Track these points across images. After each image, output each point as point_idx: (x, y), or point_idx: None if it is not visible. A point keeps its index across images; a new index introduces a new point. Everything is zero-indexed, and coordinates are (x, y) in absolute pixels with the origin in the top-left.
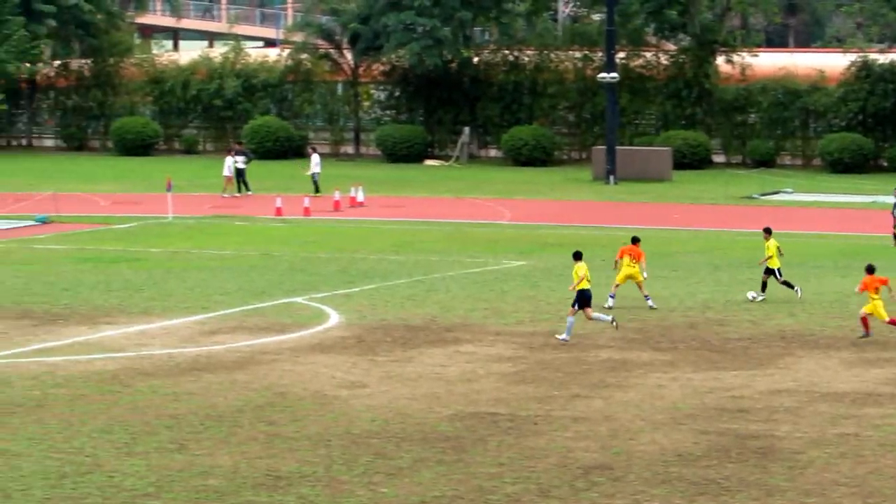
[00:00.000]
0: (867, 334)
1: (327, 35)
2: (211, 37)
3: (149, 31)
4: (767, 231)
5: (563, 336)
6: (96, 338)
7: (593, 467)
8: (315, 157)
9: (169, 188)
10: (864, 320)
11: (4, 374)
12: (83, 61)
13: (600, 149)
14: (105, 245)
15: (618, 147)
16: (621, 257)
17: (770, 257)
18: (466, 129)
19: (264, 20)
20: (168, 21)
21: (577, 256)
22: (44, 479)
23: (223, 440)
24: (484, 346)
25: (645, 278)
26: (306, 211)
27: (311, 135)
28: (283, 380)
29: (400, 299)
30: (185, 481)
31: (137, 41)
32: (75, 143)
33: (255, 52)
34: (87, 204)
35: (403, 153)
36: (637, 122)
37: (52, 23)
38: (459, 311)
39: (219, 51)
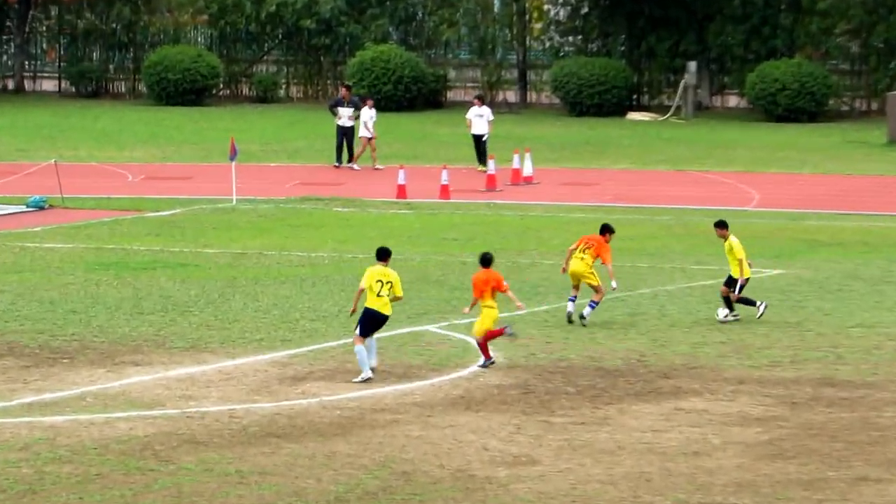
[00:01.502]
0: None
1: None
2: None
3: None
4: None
5: None
6: (118, 386)
7: None
8: (481, 110)
9: (233, 155)
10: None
11: None
12: None
13: None
14: (134, 243)
15: None
16: (576, 248)
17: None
18: (692, 66)
19: None
20: None
21: None
22: None
23: None
24: (719, 400)
25: (614, 288)
26: (444, 191)
27: (452, 73)
28: (407, 452)
29: (588, 328)
30: None
31: None
32: (89, 86)
33: None
34: (106, 179)
35: (594, 102)
36: None
37: None
38: (681, 347)
39: None
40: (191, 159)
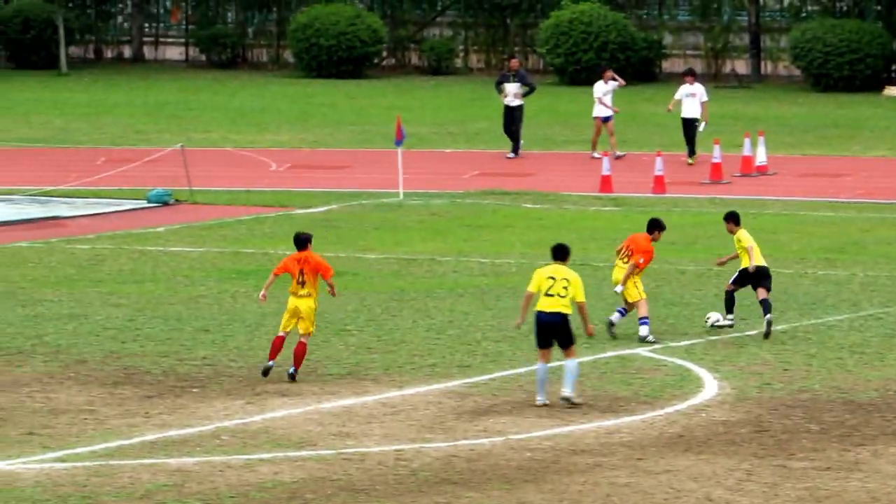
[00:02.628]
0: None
1: None
2: None
3: None
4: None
5: None
6: (260, 421)
7: None
8: (693, 88)
9: (399, 139)
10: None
11: (86, 483)
12: None
13: None
14: (278, 247)
15: None
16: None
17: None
18: None
19: None
20: None
21: None
22: None
23: None
24: None
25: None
26: (658, 183)
27: (668, 39)
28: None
29: (833, 350)
30: None
31: None
32: (223, 53)
33: None
34: (244, 168)
35: (843, 74)
36: None
37: None
38: None
39: None
40: (348, 144)
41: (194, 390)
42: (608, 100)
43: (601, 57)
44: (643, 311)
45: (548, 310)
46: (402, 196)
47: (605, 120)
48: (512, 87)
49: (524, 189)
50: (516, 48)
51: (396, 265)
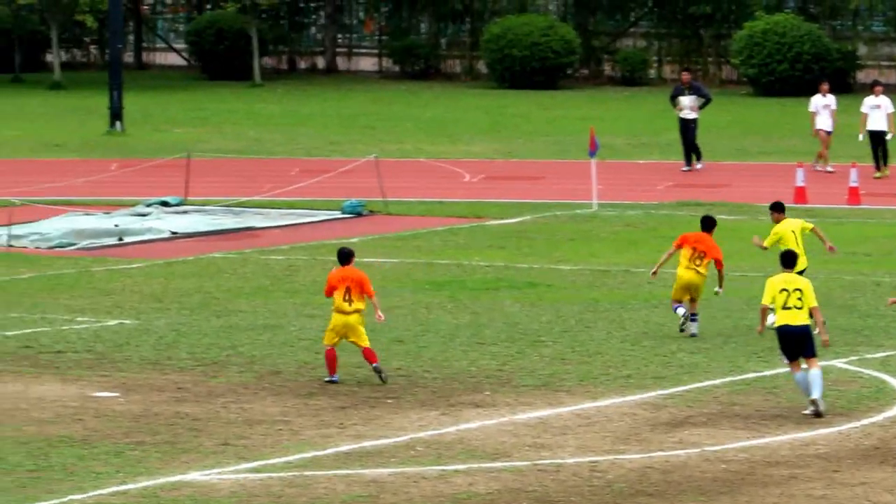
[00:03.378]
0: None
1: None
2: None
3: None
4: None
5: None
6: (455, 433)
7: None
8: (878, 100)
9: (593, 150)
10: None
11: (281, 494)
12: None
13: None
14: (472, 257)
15: None
16: (678, 248)
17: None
18: None
19: None
20: None
21: None
22: None
23: None
24: None
25: (717, 292)
26: (853, 194)
27: (863, 49)
28: None
29: None
30: None
31: None
32: (416, 64)
33: None
34: (437, 179)
35: None
36: None
37: None
38: None
39: None
40: (542, 155)
41: (389, 401)
42: (828, 113)
43: (795, 68)
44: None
45: (790, 323)
46: (595, 207)
47: (827, 134)
48: (687, 100)
49: (718, 200)
50: (710, 59)
51: (590, 276)
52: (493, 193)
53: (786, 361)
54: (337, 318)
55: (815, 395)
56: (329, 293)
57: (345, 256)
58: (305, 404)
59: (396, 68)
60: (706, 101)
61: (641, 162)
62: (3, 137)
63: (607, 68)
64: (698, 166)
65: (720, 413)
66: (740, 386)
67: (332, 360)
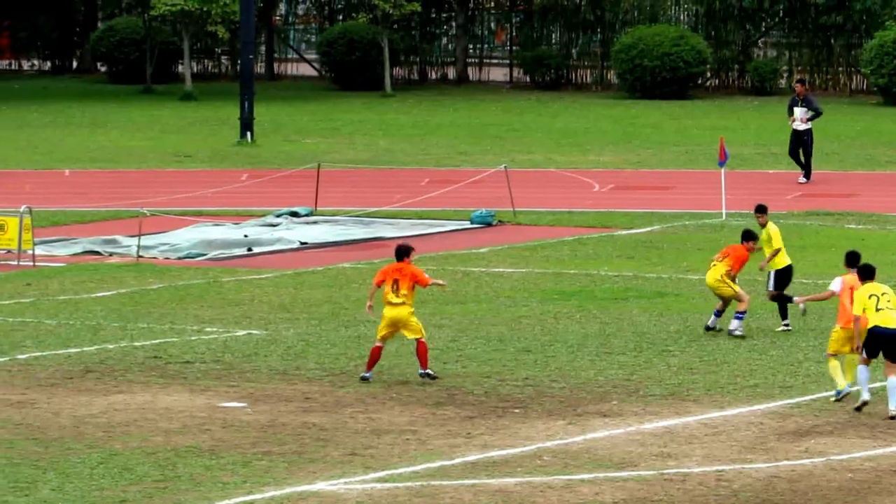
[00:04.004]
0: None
1: None
2: None
3: None
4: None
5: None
6: (581, 442)
7: None
8: None
9: (723, 160)
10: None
11: None
12: None
13: None
14: (601, 267)
15: None
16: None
17: (778, 251)
18: None
19: None
20: None
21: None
22: None
23: None
24: None
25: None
26: None
27: None
28: None
29: None
30: None
31: None
32: (547, 74)
33: None
34: (567, 188)
35: None
36: None
37: None
38: None
39: None
40: (671, 165)
41: (516, 411)
42: None
43: None
44: (743, 306)
45: (884, 325)
46: (724, 217)
47: None
48: (799, 112)
49: (847, 210)
50: (840, 68)
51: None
52: (622, 203)
53: (864, 356)
54: (387, 311)
55: (892, 407)
56: (378, 283)
57: (400, 253)
58: (433, 414)
59: (527, 78)
60: (815, 114)
61: (771, 171)
62: (135, 148)
63: (738, 78)
64: (801, 180)
65: (846, 422)
66: (874, 396)
67: (374, 358)
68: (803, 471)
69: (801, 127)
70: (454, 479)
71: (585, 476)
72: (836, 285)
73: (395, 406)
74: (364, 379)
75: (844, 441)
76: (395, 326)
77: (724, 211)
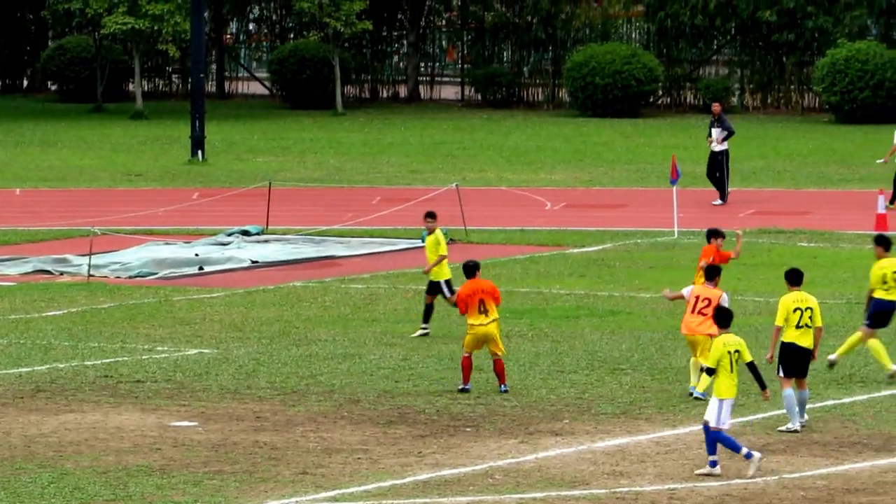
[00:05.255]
0: None
1: None
2: None
3: None
4: None
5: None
6: (533, 461)
7: None
8: None
9: (675, 178)
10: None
11: None
12: None
13: None
14: (553, 286)
15: None
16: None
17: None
18: None
19: None
20: None
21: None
22: None
23: None
24: None
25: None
26: None
27: None
28: None
29: None
30: None
31: None
32: (498, 92)
33: None
34: (519, 207)
35: None
36: None
37: None
38: None
39: None
40: (623, 183)
41: (468, 429)
42: None
43: (877, 95)
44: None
45: (798, 342)
46: (676, 235)
47: None
48: (716, 133)
49: (800, 227)
50: (792, 86)
51: (670, 304)
52: (574, 222)
53: (781, 376)
54: (477, 331)
55: (805, 416)
56: (464, 310)
57: (472, 269)
58: (384, 433)
59: (479, 96)
60: (728, 134)
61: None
62: (86, 167)
63: (689, 96)
64: (716, 202)
65: (799, 440)
66: (819, 413)
67: (467, 368)
68: (755, 489)
69: (718, 148)
70: (405, 499)
71: (537, 495)
72: (685, 291)
73: (346, 425)
74: (464, 391)
75: (797, 459)
76: (484, 343)
77: (676, 229)
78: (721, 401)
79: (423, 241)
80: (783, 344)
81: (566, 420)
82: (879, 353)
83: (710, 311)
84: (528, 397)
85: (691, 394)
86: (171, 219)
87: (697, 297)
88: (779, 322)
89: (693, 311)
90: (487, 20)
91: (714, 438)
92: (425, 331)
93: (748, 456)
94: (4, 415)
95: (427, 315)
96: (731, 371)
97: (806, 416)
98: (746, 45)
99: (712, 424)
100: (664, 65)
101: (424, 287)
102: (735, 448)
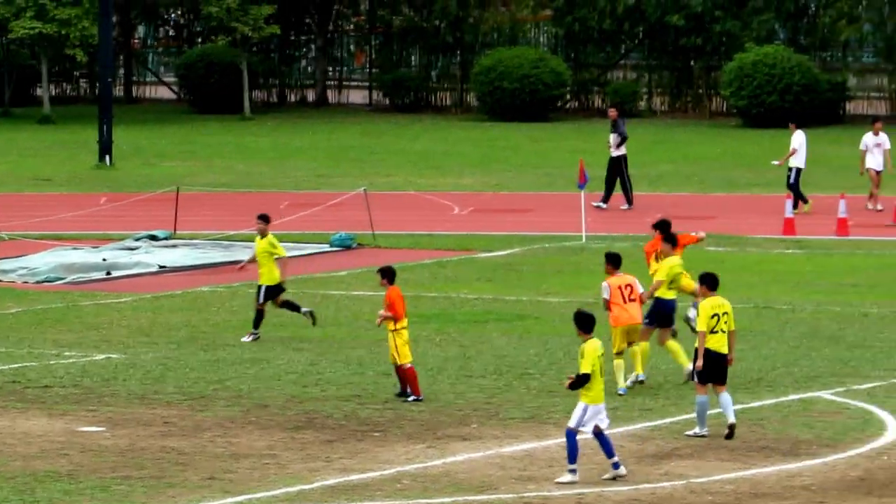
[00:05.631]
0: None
1: None
2: None
3: None
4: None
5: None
6: (441, 466)
7: None
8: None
9: (582, 182)
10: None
11: None
12: None
13: None
14: (461, 290)
15: None
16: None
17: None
18: None
19: None
20: None
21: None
22: None
23: None
24: None
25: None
26: (842, 225)
27: (853, 81)
28: None
29: None
30: None
31: None
32: (406, 97)
33: None
34: (426, 211)
35: None
36: None
37: None
38: None
39: None
40: (531, 187)
41: (375, 434)
42: (879, 152)
43: (785, 99)
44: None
45: (716, 349)
46: (584, 239)
47: (878, 174)
48: (612, 138)
49: (707, 231)
50: (700, 90)
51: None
52: (481, 226)
53: (695, 381)
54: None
55: (732, 418)
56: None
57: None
58: (292, 438)
59: (386, 101)
60: (622, 139)
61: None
62: None
63: (597, 100)
64: (596, 204)
65: (706, 445)
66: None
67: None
68: (663, 494)
69: (616, 153)
70: (314, 503)
71: (445, 500)
72: (605, 292)
73: (254, 430)
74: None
75: (704, 464)
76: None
77: (583, 234)
78: (587, 406)
79: (330, 246)
80: (708, 352)
81: (474, 425)
82: (677, 354)
83: (635, 295)
84: (436, 402)
85: (621, 395)
86: (79, 224)
87: (620, 287)
88: (703, 328)
89: (626, 301)
90: (395, 24)
91: (574, 440)
92: (258, 333)
93: (573, 471)
94: None
95: (295, 309)
96: (602, 375)
97: (733, 418)
98: (654, 49)
99: (571, 425)
100: (572, 69)
101: (331, 291)
102: (572, 456)
